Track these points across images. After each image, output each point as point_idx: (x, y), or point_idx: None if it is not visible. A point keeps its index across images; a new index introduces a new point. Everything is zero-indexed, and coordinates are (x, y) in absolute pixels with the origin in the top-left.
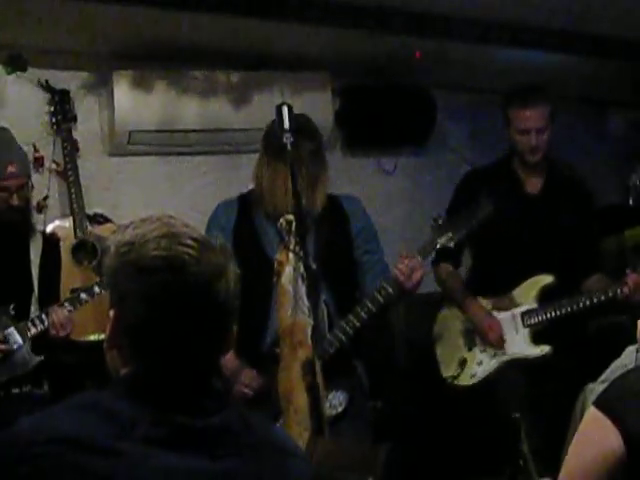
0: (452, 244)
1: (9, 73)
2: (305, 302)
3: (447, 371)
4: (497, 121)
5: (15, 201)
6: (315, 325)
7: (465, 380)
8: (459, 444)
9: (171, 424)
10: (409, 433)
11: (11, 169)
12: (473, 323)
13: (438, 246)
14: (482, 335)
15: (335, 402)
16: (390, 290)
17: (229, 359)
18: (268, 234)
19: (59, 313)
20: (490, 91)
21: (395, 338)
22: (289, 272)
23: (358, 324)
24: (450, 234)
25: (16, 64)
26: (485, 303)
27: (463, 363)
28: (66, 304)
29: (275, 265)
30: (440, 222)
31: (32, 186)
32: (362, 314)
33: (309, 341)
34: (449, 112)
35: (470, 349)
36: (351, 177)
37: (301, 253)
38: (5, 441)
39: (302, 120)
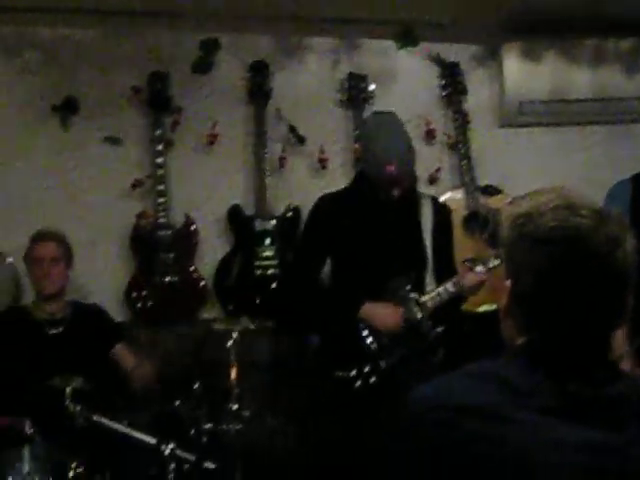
0: None
1: (400, 48)
2: None
3: None
4: None
5: (397, 192)
6: None
7: None
8: None
9: (566, 394)
10: None
11: (389, 168)
12: None
13: None
14: None
15: None
16: None
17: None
18: None
19: (469, 277)
20: None
21: None
22: None
23: None
24: None
25: (407, 39)
26: None
27: None
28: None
29: None
30: None
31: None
32: None
33: None
34: None
35: None
36: None
37: None
38: (411, 405)
39: None
